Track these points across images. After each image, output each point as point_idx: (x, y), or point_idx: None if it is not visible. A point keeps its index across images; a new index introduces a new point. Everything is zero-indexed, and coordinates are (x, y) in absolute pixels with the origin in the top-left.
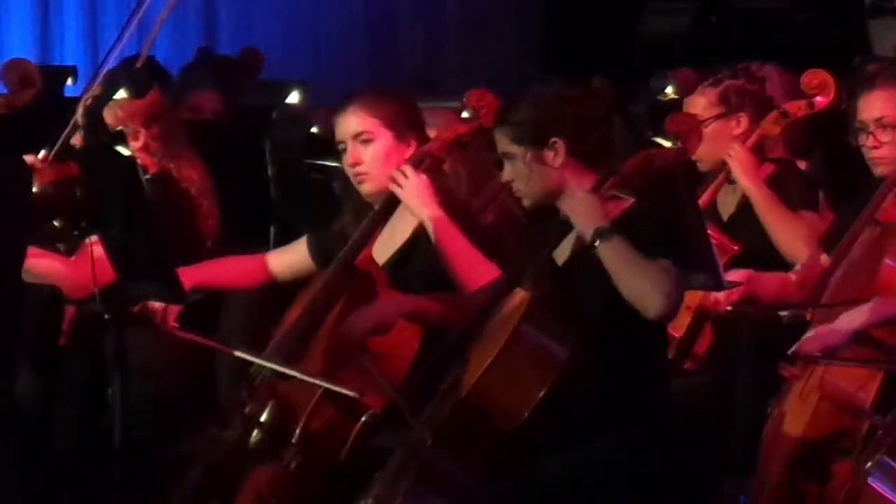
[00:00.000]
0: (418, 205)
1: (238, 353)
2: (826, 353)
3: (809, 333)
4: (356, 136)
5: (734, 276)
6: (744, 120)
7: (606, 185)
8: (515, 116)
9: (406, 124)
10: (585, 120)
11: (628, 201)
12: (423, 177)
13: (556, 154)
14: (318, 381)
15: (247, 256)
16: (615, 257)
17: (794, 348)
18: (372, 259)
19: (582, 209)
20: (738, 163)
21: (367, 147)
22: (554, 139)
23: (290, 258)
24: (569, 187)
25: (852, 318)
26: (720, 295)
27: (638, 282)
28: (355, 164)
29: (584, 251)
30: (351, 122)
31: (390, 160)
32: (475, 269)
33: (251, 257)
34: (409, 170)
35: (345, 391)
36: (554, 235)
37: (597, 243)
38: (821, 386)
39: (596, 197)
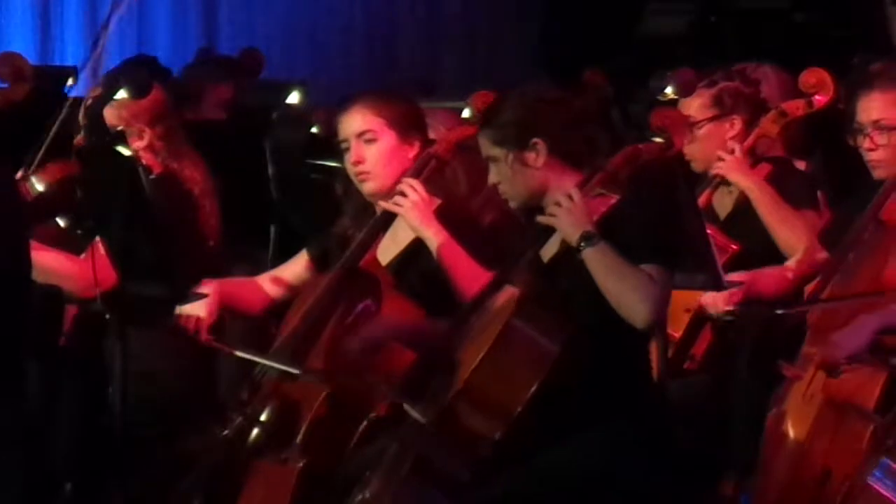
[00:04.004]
0: (419, 224)
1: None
2: (851, 359)
3: (832, 337)
4: (360, 134)
5: (734, 277)
6: (737, 122)
7: (593, 182)
8: (496, 119)
9: (410, 125)
10: (566, 120)
11: (613, 197)
12: (425, 195)
13: (537, 155)
14: (322, 385)
15: (244, 280)
16: (600, 264)
17: (817, 360)
18: (376, 261)
19: (566, 214)
20: (729, 168)
21: (370, 146)
22: (534, 140)
23: (293, 272)
24: (552, 188)
25: (868, 321)
26: (719, 297)
27: (623, 291)
28: (358, 163)
29: (569, 249)
30: (355, 121)
31: (393, 160)
32: (476, 282)
33: (248, 281)
34: (409, 188)
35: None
36: (541, 233)
37: (582, 246)
38: (825, 388)
39: (580, 200)
